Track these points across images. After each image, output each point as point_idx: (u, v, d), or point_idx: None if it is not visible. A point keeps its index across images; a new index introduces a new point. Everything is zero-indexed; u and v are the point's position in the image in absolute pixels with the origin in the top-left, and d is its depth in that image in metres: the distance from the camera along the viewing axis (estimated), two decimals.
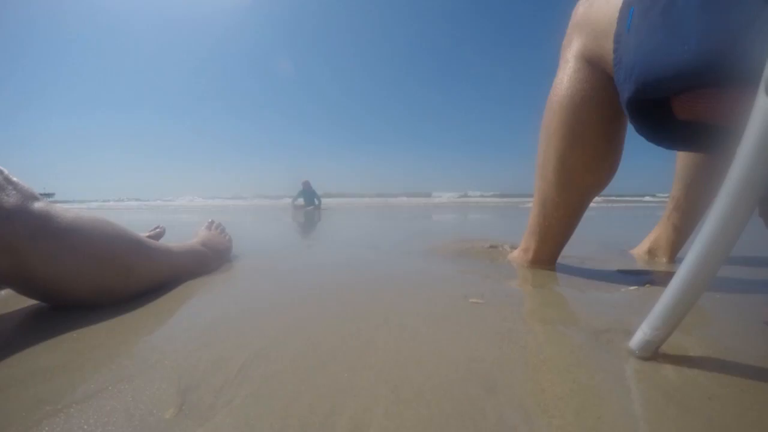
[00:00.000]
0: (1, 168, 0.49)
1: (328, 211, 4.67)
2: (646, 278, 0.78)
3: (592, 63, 0.68)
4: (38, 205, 0.50)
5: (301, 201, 6.32)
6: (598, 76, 0.68)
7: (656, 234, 1.05)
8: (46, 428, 0.28)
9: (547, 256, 0.89)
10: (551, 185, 0.78)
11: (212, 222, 1.07)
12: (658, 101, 0.52)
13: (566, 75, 0.72)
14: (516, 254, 0.96)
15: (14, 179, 0.49)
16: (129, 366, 0.38)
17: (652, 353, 0.40)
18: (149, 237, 0.93)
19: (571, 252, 0.93)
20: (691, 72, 0.43)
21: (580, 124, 0.71)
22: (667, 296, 0.37)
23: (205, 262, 0.86)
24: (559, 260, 0.91)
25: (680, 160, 0.97)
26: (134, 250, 0.63)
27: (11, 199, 0.47)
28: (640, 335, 0.40)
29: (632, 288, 0.70)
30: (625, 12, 0.52)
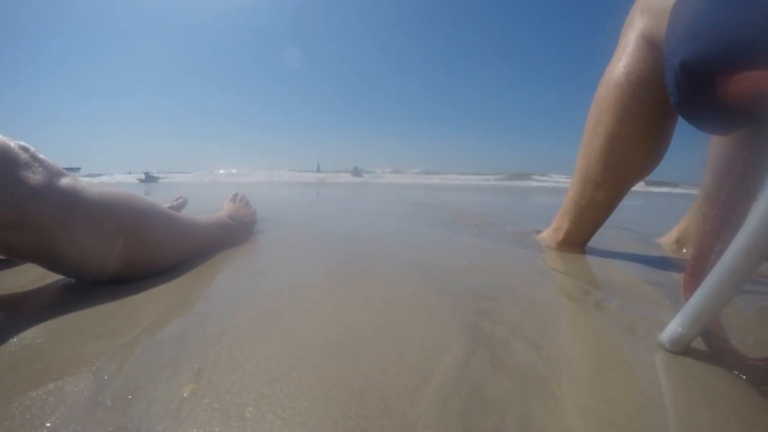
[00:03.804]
0: (28, 146, 0.49)
1: None
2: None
3: (652, 44, 0.65)
4: (65, 181, 0.50)
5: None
6: (658, 57, 0.64)
7: (685, 224, 1.00)
8: None
9: (578, 238, 0.86)
10: (596, 163, 0.76)
11: (236, 194, 1.05)
12: (707, 78, 0.48)
13: (625, 53, 0.69)
14: (545, 234, 0.94)
15: (41, 156, 0.49)
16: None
17: (683, 349, 0.39)
18: (171, 208, 0.93)
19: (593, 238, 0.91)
20: (753, 46, 0.39)
21: (635, 103, 0.69)
22: (702, 292, 0.36)
23: (232, 234, 0.87)
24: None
25: (714, 147, 0.91)
26: (162, 225, 0.63)
27: (38, 176, 0.47)
28: (671, 329, 0.39)
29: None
30: None
